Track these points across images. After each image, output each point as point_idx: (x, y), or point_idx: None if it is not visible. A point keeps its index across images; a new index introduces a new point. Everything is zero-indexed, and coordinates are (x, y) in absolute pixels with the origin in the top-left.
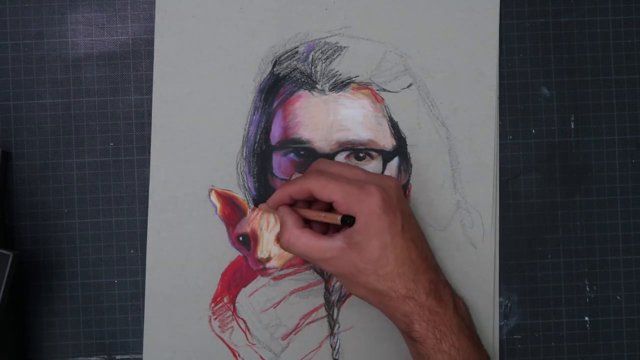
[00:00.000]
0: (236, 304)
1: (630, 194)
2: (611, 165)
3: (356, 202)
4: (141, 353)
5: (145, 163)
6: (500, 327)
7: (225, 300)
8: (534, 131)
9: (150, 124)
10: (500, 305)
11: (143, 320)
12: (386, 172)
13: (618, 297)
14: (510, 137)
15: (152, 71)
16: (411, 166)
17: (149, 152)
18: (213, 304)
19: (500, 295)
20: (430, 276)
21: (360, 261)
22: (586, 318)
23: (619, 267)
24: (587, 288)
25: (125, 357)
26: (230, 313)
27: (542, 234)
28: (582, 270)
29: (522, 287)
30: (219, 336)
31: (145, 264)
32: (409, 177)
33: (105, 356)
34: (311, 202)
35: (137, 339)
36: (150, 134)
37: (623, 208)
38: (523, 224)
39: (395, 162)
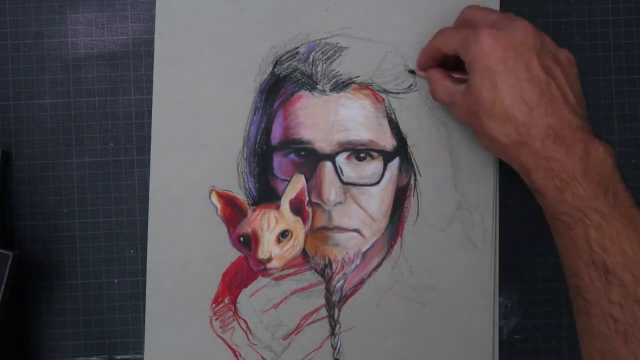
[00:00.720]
0: (237, 305)
1: None
2: None
3: (469, 43)
4: (141, 353)
5: (145, 163)
6: (500, 327)
7: (226, 300)
8: None
9: (150, 124)
10: (500, 305)
11: (143, 320)
12: (387, 172)
13: None
14: None
15: (152, 71)
16: (412, 166)
17: (149, 152)
18: (214, 305)
19: (500, 295)
20: (550, 121)
21: (474, 104)
22: None
23: None
24: None
25: (125, 357)
26: (231, 313)
27: (542, 234)
28: None
29: (522, 287)
30: (220, 336)
31: (145, 264)
32: (410, 177)
33: (105, 356)
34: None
35: (137, 339)
36: (150, 134)
37: None
38: (523, 224)
39: (396, 162)
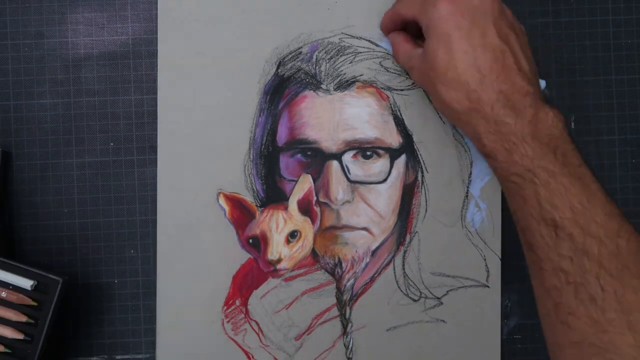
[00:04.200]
0: (248, 306)
1: (630, 194)
2: (611, 165)
3: (427, 8)
4: (141, 353)
5: (145, 163)
6: (500, 327)
7: (238, 302)
8: None
9: (150, 123)
10: (501, 305)
11: (143, 320)
12: (394, 170)
13: None
14: None
15: (152, 71)
16: (419, 163)
17: (149, 152)
18: (225, 307)
19: (500, 295)
20: (502, 87)
21: (429, 69)
22: None
23: None
24: None
25: (126, 357)
26: (242, 315)
27: None
28: None
29: (522, 287)
30: (232, 339)
31: (145, 264)
32: (417, 173)
33: (105, 356)
34: None
35: (137, 339)
36: (150, 134)
37: (623, 208)
38: None
39: (402, 159)
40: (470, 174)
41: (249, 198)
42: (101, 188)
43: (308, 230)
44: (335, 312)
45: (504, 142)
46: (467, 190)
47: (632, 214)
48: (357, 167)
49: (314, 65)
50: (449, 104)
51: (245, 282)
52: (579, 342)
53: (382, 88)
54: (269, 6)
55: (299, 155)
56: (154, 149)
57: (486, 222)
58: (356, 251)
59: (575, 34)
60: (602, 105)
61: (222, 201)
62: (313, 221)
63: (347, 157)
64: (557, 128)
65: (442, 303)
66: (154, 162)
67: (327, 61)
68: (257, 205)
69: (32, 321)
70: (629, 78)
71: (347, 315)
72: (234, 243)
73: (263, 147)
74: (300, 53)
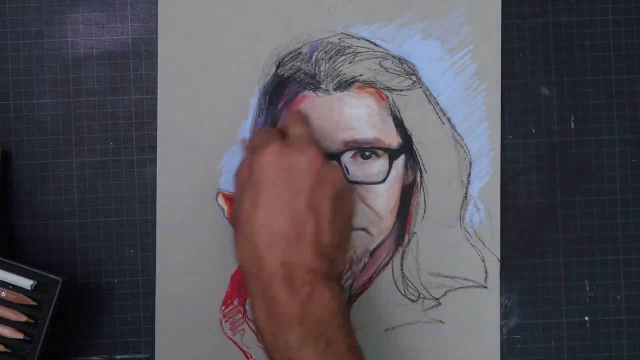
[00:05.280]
0: (247, 307)
1: (630, 194)
2: (611, 165)
3: (256, 151)
4: (141, 353)
5: (145, 163)
6: (500, 327)
7: (236, 302)
8: (534, 131)
9: (150, 123)
10: (500, 305)
11: (143, 320)
12: (393, 170)
13: (618, 297)
14: (510, 137)
15: (153, 71)
16: (418, 163)
17: (149, 152)
18: (224, 307)
19: (500, 295)
20: (287, 258)
21: (235, 211)
22: (586, 318)
23: (619, 267)
24: (587, 288)
25: (126, 357)
26: (241, 316)
27: (542, 234)
28: (582, 270)
29: (522, 287)
30: (230, 339)
31: (145, 264)
32: (416, 174)
33: (105, 356)
34: None
35: (137, 339)
36: (150, 134)
37: (623, 208)
38: (523, 224)
39: (401, 160)
40: (470, 174)
41: None
42: (101, 188)
43: None
44: None
45: (272, 323)
46: (466, 191)
47: (632, 214)
48: (356, 168)
49: (314, 66)
50: (238, 255)
51: (244, 282)
52: None
53: (381, 88)
54: (268, 6)
55: None
56: (154, 149)
57: (485, 223)
58: (355, 251)
59: (575, 34)
60: (602, 105)
61: (221, 201)
62: None
63: (346, 158)
64: (330, 311)
65: (440, 304)
66: (154, 162)
67: (327, 61)
68: None
69: (32, 321)
70: (629, 78)
71: None
72: (233, 243)
73: None
74: (300, 53)
